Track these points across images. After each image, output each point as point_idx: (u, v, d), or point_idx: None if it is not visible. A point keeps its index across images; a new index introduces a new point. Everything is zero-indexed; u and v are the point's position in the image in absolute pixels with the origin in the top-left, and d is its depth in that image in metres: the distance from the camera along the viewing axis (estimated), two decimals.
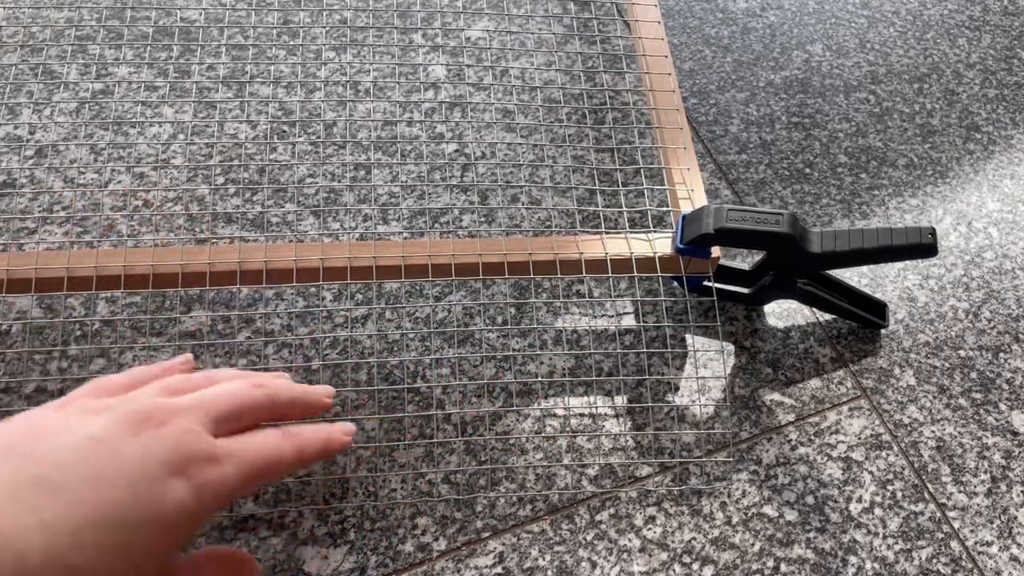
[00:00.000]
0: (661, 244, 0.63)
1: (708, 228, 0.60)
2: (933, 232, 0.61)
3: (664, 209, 0.72)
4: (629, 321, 0.68)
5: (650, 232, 0.64)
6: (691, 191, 0.66)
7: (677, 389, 0.65)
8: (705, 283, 0.66)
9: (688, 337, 0.69)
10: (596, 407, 0.64)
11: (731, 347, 0.68)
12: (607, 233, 0.64)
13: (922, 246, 0.61)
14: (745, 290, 0.67)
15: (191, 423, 0.43)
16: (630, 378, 0.65)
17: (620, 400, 0.64)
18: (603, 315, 0.69)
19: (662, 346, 0.67)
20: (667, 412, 0.64)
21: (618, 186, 0.76)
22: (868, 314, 0.69)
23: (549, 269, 0.62)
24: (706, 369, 0.67)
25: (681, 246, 0.62)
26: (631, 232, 0.64)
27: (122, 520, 0.38)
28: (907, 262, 0.75)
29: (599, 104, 0.83)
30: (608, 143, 0.79)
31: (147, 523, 0.39)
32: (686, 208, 0.65)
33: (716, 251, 0.63)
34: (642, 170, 0.77)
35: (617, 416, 0.63)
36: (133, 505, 0.38)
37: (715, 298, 0.66)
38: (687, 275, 0.64)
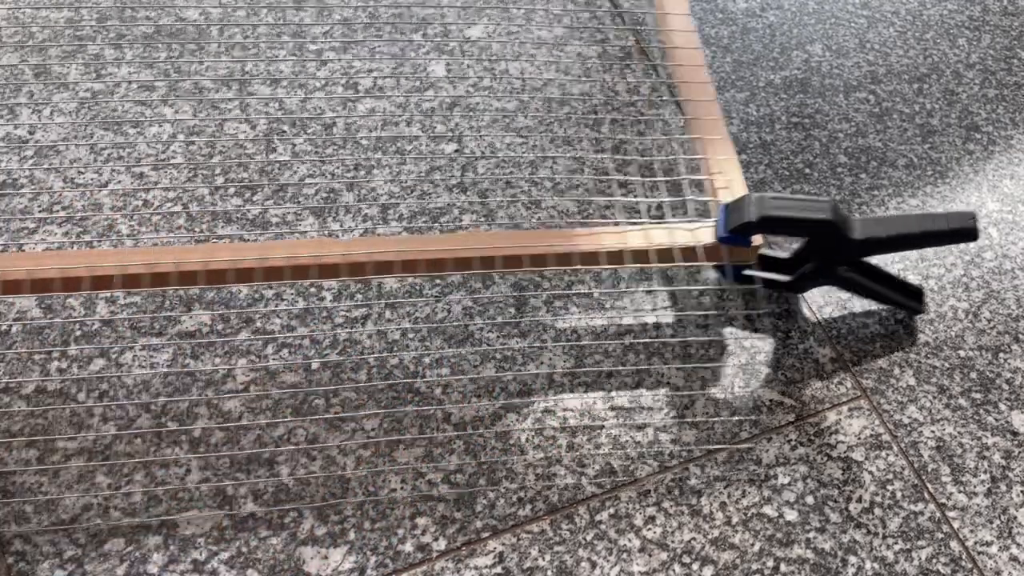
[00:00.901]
0: (703, 234, 0.63)
1: (752, 216, 0.59)
2: (974, 217, 0.62)
3: (703, 199, 0.72)
4: (628, 320, 0.68)
5: (690, 222, 0.65)
6: (730, 181, 0.66)
7: (678, 388, 0.65)
8: (746, 272, 0.66)
9: (692, 335, 0.69)
10: (596, 407, 0.64)
11: (732, 346, 0.68)
12: (646, 224, 0.64)
13: (964, 230, 0.62)
14: (786, 278, 0.67)
15: None
16: (630, 378, 0.65)
17: (621, 399, 0.64)
18: (603, 314, 0.69)
19: (663, 344, 0.67)
20: (667, 412, 0.64)
21: (655, 177, 0.76)
22: (906, 299, 0.69)
23: (593, 260, 0.62)
24: (706, 369, 0.67)
25: (724, 235, 0.62)
26: (671, 223, 0.65)
27: None
28: (907, 262, 0.75)
29: (638, 97, 0.83)
30: (647, 136, 0.79)
31: None
32: (726, 197, 0.64)
33: (758, 239, 0.62)
34: (680, 161, 0.77)
35: (617, 416, 0.63)
36: None
37: (759, 286, 0.67)
38: (730, 264, 0.64)
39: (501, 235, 0.62)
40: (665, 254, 0.62)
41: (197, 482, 0.58)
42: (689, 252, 0.62)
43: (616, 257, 0.62)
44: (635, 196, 0.75)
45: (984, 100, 0.89)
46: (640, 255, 0.62)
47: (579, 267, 0.62)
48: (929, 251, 0.75)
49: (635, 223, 0.66)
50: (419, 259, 0.59)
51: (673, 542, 0.58)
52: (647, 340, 0.67)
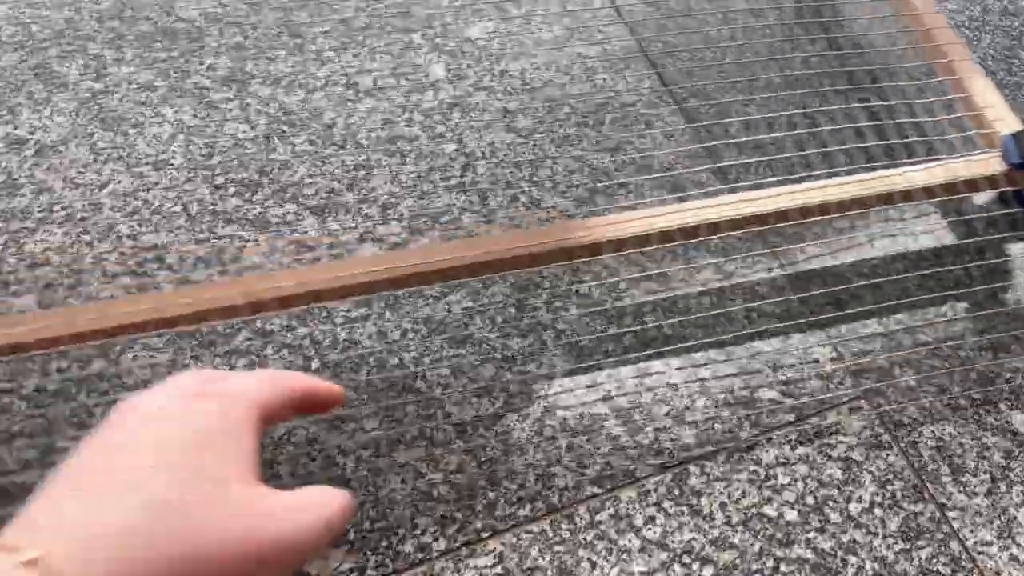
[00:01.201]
0: (993, 163, 0.67)
1: None
2: None
3: (983, 132, 0.74)
4: (625, 312, 0.68)
5: (978, 154, 0.68)
6: (1001, 114, 0.70)
7: (676, 388, 0.65)
8: None
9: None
10: (596, 407, 0.64)
11: (724, 347, 0.68)
12: (942, 160, 0.68)
13: None
14: None
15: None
16: (629, 379, 0.65)
17: (621, 399, 0.64)
18: (601, 308, 0.69)
19: (661, 336, 0.67)
20: (666, 412, 0.64)
21: (921, 117, 0.80)
22: None
23: (908, 197, 0.65)
24: (706, 369, 0.67)
25: (1018, 161, 0.65)
26: (960, 157, 0.68)
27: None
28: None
29: (893, 48, 0.83)
30: (918, 81, 0.84)
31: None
32: (1001, 129, 0.69)
33: None
34: (952, 102, 0.78)
35: (617, 415, 0.63)
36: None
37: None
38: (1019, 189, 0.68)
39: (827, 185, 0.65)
40: (970, 184, 0.67)
41: None
42: (990, 180, 0.67)
43: (929, 192, 0.66)
44: (901, 138, 0.81)
45: None
46: (948, 188, 0.66)
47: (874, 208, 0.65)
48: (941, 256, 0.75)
49: (929, 159, 0.69)
50: (550, 249, 0.60)
51: (673, 542, 0.58)
52: (641, 336, 0.67)
